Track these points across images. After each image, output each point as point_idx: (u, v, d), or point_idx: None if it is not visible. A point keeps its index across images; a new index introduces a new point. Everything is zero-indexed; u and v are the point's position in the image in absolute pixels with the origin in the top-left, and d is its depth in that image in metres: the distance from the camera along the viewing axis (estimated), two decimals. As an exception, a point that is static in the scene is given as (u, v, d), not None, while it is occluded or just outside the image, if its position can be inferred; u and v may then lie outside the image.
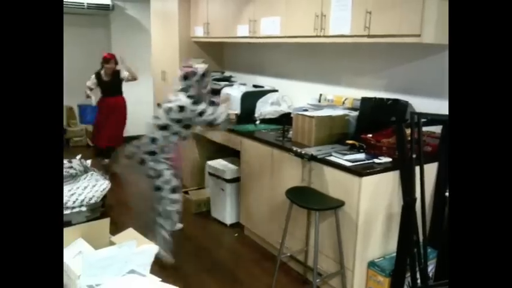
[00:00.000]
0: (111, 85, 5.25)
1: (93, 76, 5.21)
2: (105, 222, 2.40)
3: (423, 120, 2.47)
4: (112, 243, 2.35)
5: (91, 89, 5.14)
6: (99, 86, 5.20)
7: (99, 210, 3.67)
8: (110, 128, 5.31)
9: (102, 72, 5.18)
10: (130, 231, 2.45)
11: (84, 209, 3.45)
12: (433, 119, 2.60)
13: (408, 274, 2.44)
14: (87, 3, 5.90)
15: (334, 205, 2.48)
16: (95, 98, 5.19)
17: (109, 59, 5.13)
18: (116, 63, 5.18)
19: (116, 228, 2.52)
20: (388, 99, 2.92)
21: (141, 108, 6.66)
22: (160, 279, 2.05)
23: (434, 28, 2.38)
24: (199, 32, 4.66)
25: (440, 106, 2.75)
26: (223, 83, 4.33)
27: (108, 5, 6.13)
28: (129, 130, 6.76)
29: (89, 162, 4.02)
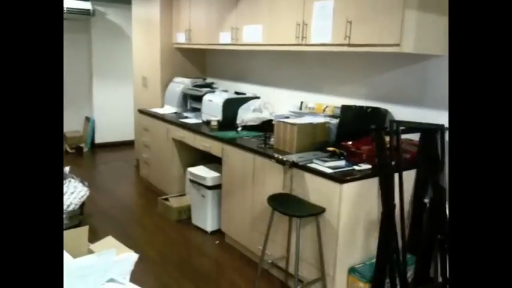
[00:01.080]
0: None
1: None
2: (84, 230, 2.36)
3: (402, 128, 2.52)
4: (91, 252, 2.32)
5: None
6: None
7: (77, 218, 3.61)
8: None
9: None
10: (109, 239, 2.42)
11: (62, 216, 3.38)
12: (411, 127, 2.66)
13: (388, 280, 2.47)
14: (67, 8, 5.82)
15: (315, 212, 2.50)
16: None
17: None
18: None
19: (95, 236, 2.48)
20: (368, 107, 2.97)
21: (121, 114, 6.63)
22: (140, 288, 2.03)
23: (414, 38, 2.43)
24: (181, 38, 4.66)
25: (419, 114, 2.81)
26: (204, 90, 4.33)
27: (89, 10, 6.07)
28: (106, 137, 6.73)
29: (67, 169, 3.95)
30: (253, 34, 3.56)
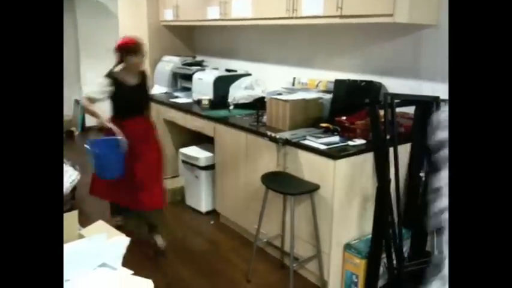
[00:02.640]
0: (138, 95, 2.97)
1: (105, 79, 2.89)
2: (73, 215, 2.31)
3: (396, 101, 2.46)
4: (81, 237, 2.27)
5: (94, 101, 2.84)
6: (113, 98, 2.89)
7: (69, 202, 3.56)
8: (139, 176, 2.93)
9: (120, 71, 2.92)
10: (100, 224, 2.37)
11: (52, 201, 3.33)
12: (406, 100, 2.59)
13: (384, 255, 2.45)
14: (50, -13, 5.63)
15: (309, 189, 2.46)
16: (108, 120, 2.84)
17: (137, 47, 2.86)
18: (144, 55, 2.93)
19: (88, 221, 2.43)
20: (362, 81, 2.90)
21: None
22: (132, 272, 1.99)
23: (407, 7, 2.35)
24: (168, 15, 4.52)
25: (414, 86, 2.75)
26: (194, 68, 4.22)
27: (73, -12, 5.89)
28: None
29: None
30: (242, 8, 3.44)
